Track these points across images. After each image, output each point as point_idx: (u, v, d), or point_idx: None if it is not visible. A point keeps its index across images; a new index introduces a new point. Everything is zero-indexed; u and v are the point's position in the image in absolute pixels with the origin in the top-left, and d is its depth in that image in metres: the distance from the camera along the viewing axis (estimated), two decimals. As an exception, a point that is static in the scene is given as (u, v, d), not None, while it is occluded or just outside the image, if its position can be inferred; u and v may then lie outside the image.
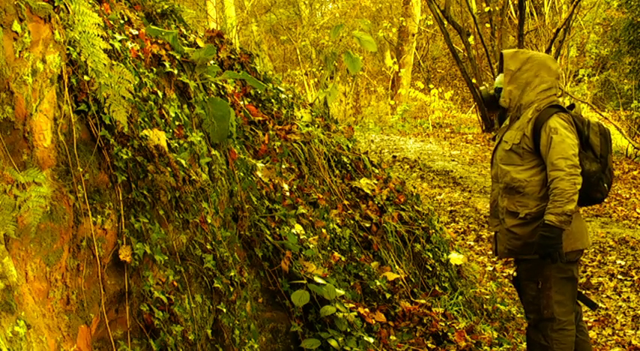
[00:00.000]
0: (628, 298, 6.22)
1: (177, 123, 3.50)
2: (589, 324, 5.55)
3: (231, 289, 3.43)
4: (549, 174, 3.73)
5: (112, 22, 3.35)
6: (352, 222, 5.18)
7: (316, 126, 5.72)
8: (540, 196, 3.80)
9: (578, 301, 4.02)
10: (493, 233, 4.15)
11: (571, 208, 3.62)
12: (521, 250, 3.87)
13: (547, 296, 3.80)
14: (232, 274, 3.47)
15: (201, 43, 4.52)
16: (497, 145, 4.05)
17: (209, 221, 3.41)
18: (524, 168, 3.86)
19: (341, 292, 4.07)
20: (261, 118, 4.96)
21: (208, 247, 3.35)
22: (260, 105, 5.23)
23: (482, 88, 4.32)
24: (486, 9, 15.70)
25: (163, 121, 3.37)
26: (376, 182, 5.79)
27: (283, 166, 4.81)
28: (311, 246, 4.17)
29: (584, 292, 6.36)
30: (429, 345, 4.52)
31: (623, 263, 7.22)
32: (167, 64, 3.68)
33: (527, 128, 3.86)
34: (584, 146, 3.83)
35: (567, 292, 3.85)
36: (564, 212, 3.62)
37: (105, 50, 2.81)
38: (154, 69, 3.55)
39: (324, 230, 4.63)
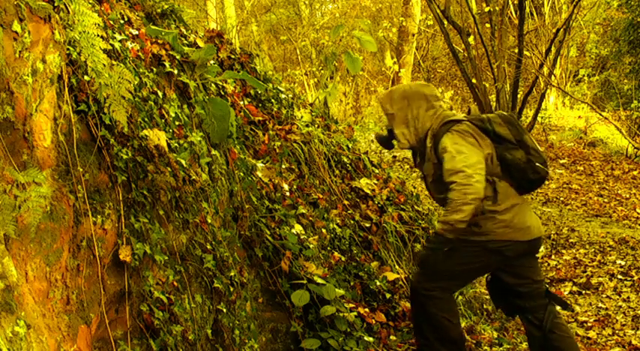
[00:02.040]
0: (628, 298, 6.21)
1: (177, 123, 3.50)
2: (589, 324, 5.54)
3: (231, 289, 3.43)
4: None
5: (112, 22, 3.35)
6: (352, 222, 5.18)
7: (316, 126, 5.72)
8: None
9: (551, 300, 4.00)
10: None
11: (456, 218, 3.63)
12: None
13: (443, 260, 3.81)
14: (232, 274, 3.47)
15: (201, 43, 4.52)
16: (424, 179, 4.08)
17: (209, 221, 3.41)
18: None
19: (341, 292, 4.07)
20: (261, 118, 4.96)
21: (208, 247, 3.35)
22: (260, 105, 5.23)
23: (376, 135, 4.30)
24: (486, 9, 15.67)
25: (163, 121, 3.37)
26: (376, 182, 5.79)
27: (283, 166, 4.81)
28: (311, 246, 4.17)
29: (584, 292, 6.37)
30: (429, 345, 4.52)
31: (623, 263, 7.22)
32: (167, 64, 3.68)
33: (432, 156, 3.90)
34: (496, 140, 3.86)
35: (461, 276, 3.93)
36: (448, 221, 3.65)
37: (105, 50, 2.81)
38: (154, 69, 3.55)
39: (324, 230, 4.63)
